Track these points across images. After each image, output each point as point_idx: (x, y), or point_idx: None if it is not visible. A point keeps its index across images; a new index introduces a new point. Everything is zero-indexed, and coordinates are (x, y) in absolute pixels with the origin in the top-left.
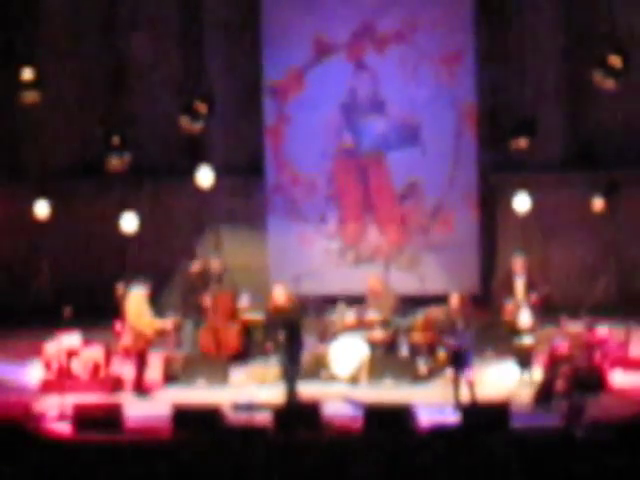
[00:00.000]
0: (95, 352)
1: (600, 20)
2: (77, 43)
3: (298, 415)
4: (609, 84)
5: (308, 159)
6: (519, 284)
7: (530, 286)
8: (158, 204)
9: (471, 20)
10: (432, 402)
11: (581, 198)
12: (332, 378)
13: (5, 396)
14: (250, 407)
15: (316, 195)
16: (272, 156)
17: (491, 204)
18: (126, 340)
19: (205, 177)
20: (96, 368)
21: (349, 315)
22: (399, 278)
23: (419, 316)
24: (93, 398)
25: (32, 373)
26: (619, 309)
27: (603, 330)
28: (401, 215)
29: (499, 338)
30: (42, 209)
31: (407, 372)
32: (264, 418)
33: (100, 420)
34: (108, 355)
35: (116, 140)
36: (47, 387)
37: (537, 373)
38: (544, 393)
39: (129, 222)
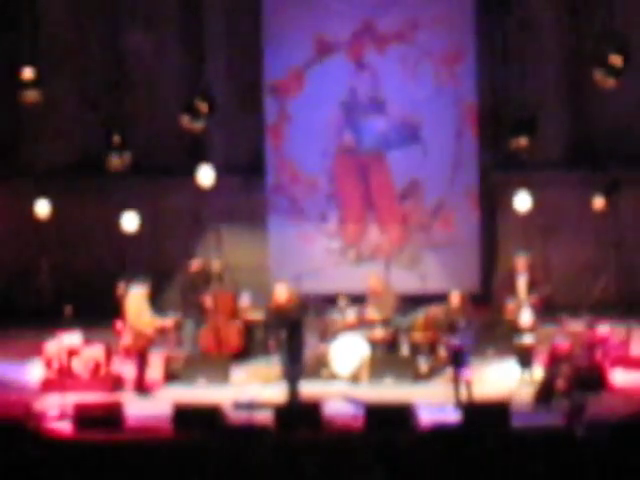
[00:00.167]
0: (96, 351)
1: (601, 19)
2: (78, 42)
3: (299, 414)
4: (610, 83)
5: (309, 158)
6: (521, 283)
7: (532, 285)
8: (159, 203)
9: (472, 19)
10: (433, 401)
11: (582, 197)
12: (333, 377)
13: (6, 395)
14: (251, 406)
15: (317, 194)
16: (273, 155)
17: (492, 203)
18: (126, 339)
19: (206, 176)
20: (97, 367)
21: (350, 314)
22: (400, 277)
23: (420, 315)
24: (94, 397)
25: (33, 372)
26: (620, 308)
27: (604, 329)
28: (402, 214)
29: (500, 337)
30: (43, 208)
31: (408, 371)
32: (265, 417)
33: (101, 419)
34: (109, 354)
35: (117, 139)
36: (48, 386)
37: (538, 372)
38: (545, 392)
39: (130, 221)
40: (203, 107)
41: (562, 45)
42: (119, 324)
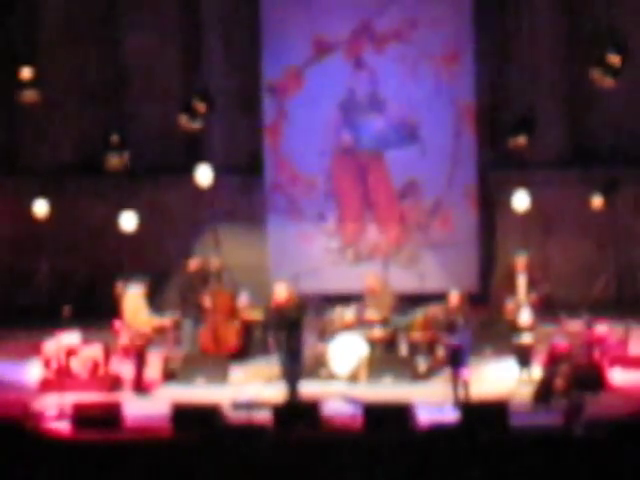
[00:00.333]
0: (94, 351)
1: (599, 18)
2: (76, 42)
3: (298, 414)
4: (608, 82)
5: (307, 158)
6: (521, 283)
7: (531, 284)
8: (157, 203)
9: (470, 19)
10: (431, 400)
11: (580, 196)
12: (331, 377)
13: (4, 395)
14: (250, 406)
15: (315, 193)
16: (271, 155)
17: (490, 202)
18: (125, 339)
19: (204, 176)
20: (95, 367)
21: (348, 313)
22: (398, 276)
23: (418, 315)
24: (92, 397)
25: (31, 372)
26: (618, 307)
27: (602, 328)
28: (400, 213)
29: (498, 336)
30: (41, 208)
31: (406, 370)
32: (264, 417)
33: (99, 419)
34: (107, 354)
35: (115, 139)
36: (46, 386)
37: (536, 371)
38: (543, 391)
39: (128, 221)
40: (201, 107)
41: (560, 44)
42: (117, 324)
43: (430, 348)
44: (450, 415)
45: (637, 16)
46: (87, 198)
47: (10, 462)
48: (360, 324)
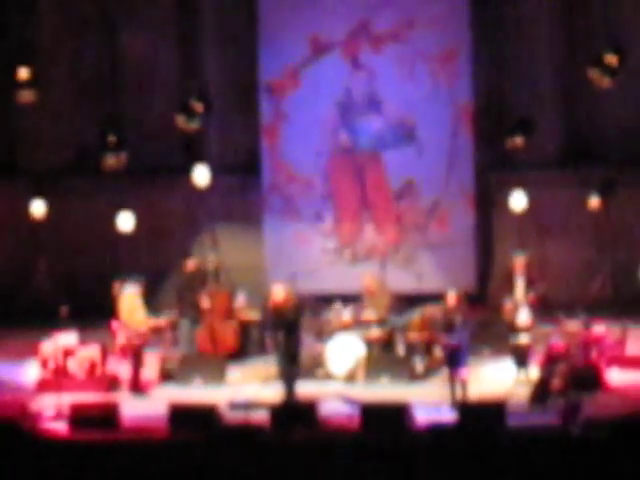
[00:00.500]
0: (91, 351)
1: (596, 19)
2: (73, 42)
3: (295, 414)
4: (605, 82)
5: (304, 158)
6: (519, 283)
7: (529, 284)
8: (154, 203)
9: (467, 19)
10: (429, 401)
11: (577, 196)
12: (328, 377)
13: (1, 395)
14: (247, 406)
15: (312, 194)
16: (268, 155)
17: (487, 202)
18: (122, 339)
19: (201, 176)
20: (92, 367)
21: (345, 314)
22: (395, 277)
23: (415, 315)
24: (89, 397)
25: (28, 372)
26: (615, 307)
27: (599, 328)
28: (397, 214)
29: (496, 337)
30: (38, 208)
31: (404, 371)
32: (261, 417)
33: (96, 419)
34: (104, 354)
35: (112, 139)
36: (43, 386)
37: (534, 372)
38: (541, 391)
39: (125, 221)
40: (199, 107)
41: (557, 45)
42: (115, 324)
43: (427, 348)
44: (447, 415)
45: (634, 16)
46: (84, 198)
47: (7, 462)
48: (357, 324)
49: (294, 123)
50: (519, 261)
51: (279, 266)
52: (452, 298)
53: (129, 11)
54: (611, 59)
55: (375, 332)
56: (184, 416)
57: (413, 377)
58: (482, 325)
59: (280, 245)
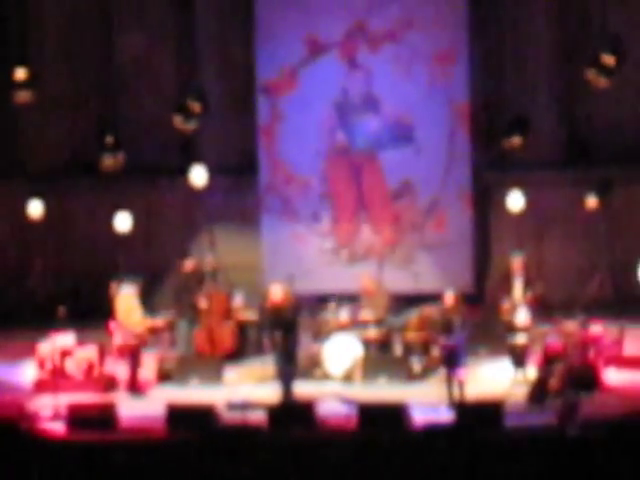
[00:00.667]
0: (89, 352)
1: (593, 18)
2: (71, 42)
3: (292, 414)
4: (602, 82)
5: (301, 158)
6: (517, 284)
7: (527, 284)
8: (152, 203)
9: (464, 19)
10: (426, 401)
11: (574, 196)
12: (326, 377)
13: None
14: (244, 406)
15: (310, 194)
16: (265, 155)
17: (485, 202)
18: (119, 339)
19: (198, 176)
20: (90, 368)
21: (343, 314)
22: (393, 277)
23: (413, 315)
24: (87, 398)
25: (26, 373)
26: (613, 307)
27: (597, 328)
28: (395, 214)
29: (493, 337)
30: (36, 208)
31: (401, 371)
32: (258, 417)
33: (94, 420)
34: (102, 355)
35: (110, 139)
36: (41, 387)
37: (531, 372)
38: (538, 391)
39: (123, 221)
40: (196, 107)
41: (554, 45)
42: (112, 325)
43: (425, 348)
44: (445, 415)
45: (631, 16)
46: (82, 199)
47: (5, 463)
48: (355, 324)
49: (291, 123)
50: (517, 261)
51: (276, 266)
52: (450, 298)
53: (126, 12)
54: (608, 59)
55: (373, 332)
56: (182, 416)
57: (410, 377)
58: (480, 325)
59: (277, 245)
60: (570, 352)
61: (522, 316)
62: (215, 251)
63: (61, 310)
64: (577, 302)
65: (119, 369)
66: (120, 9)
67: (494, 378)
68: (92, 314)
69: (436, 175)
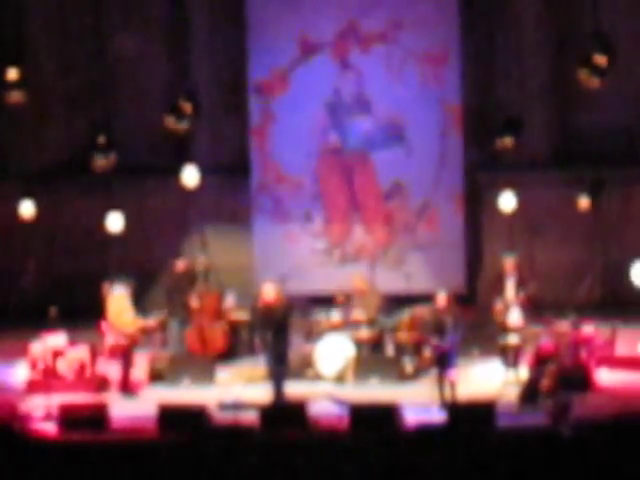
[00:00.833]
0: (81, 352)
1: (585, 19)
2: (62, 43)
3: (284, 415)
4: (594, 83)
5: (293, 158)
6: (509, 284)
7: (520, 284)
8: (144, 204)
9: (456, 19)
10: (418, 401)
11: (566, 197)
12: (318, 377)
13: None
14: (236, 407)
15: (301, 194)
16: (257, 155)
17: (477, 203)
18: (111, 340)
19: (190, 176)
20: (82, 368)
21: (335, 314)
22: (385, 277)
23: (405, 315)
24: (79, 398)
25: (18, 373)
26: (605, 308)
27: (589, 329)
28: (386, 214)
29: (485, 337)
30: (28, 209)
31: (393, 371)
32: (250, 418)
33: (86, 420)
34: (94, 355)
35: (102, 140)
36: (33, 387)
37: (523, 372)
38: (530, 392)
39: (115, 222)
40: (188, 108)
41: (547, 45)
42: (104, 325)
43: (416, 349)
44: (437, 416)
45: (623, 16)
46: (74, 199)
47: None
48: (347, 325)
49: (283, 123)
50: (509, 262)
51: (268, 267)
52: (441, 299)
53: (119, 12)
54: (600, 59)
55: (364, 333)
56: (173, 417)
57: (402, 377)
58: (472, 326)
59: (269, 245)
60: (562, 352)
61: (515, 316)
62: (207, 251)
63: (53, 310)
64: (569, 302)
65: (111, 369)
66: (112, 9)
67: (486, 378)
68: (84, 314)
69: (428, 175)
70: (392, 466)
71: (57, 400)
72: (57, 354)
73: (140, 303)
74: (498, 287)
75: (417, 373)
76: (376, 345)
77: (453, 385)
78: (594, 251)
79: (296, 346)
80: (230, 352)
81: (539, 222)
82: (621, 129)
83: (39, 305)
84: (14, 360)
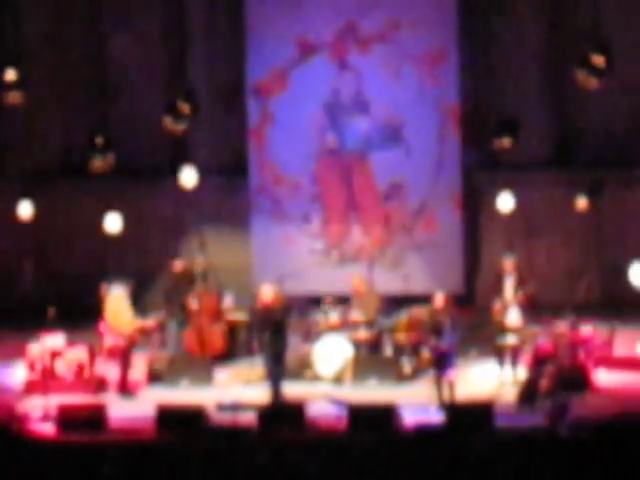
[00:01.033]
0: (79, 353)
1: (583, 19)
2: (60, 44)
3: (282, 415)
4: (592, 83)
5: (292, 159)
6: (508, 284)
7: (519, 283)
8: (142, 204)
9: (454, 20)
10: (416, 402)
11: (564, 197)
12: (316, 378)
13: None
14: (234, 407)
15: (300, 195)
16: (256, 156)
17: (474, 204)
18: (109, 341)
19: (189, 177)
20: (80, 369)
21: (333, 315)
22: (383, 278)
23: (403, 316)
24: (77, 399)
25: (16, 374)
26: (603, 308)
27: (587, 329)
28: (385, 215)
29: (484, 338)
30: (26, 210)
31: (391, 372)
32: (248, 418)
33: (84, 421)
34: (92, 356)
35: (100, 141)
36: (31, 388)
37: (521, 372)
38: (528, 392)
39: (113, 222)
40: (186, 108)
41: (545, 45)
42: (102, 326)
43: (415, 349)
44: (435, 416)
45: (621, 16)
46: (72, 200)
47: None
48: (345, 325)
49: (281, 124)
50: (508, 262)
51: (267, 267)
52: (439, 299)
53: (116, 13)
54: (598, 60)
55: (363, 333)
56: (172, 417)
57: (401, 378)
58: (470, 326)
59: (268, 246)
60: (560, 353)
61: (513, 317)
62: (205, 252)
63: (51, 311)
64: (567, 303)
65: (109, 370)
66: (110, 10)
67: (484, 379)
68: (82, 315)
69: (426, 176)
70: (390, 467)
71: (55, 401)
72: (55, 355)
73: (138, 304)
74: (497, 287)
75: (415, 374)
76: (374, 346)
77: (452, 385)
78: (592, 252)
79: (294, 347)
80: (228, 353)
81: (537, 223)
82: (619, 130)
83: (37, 306)
84: (12, 361)
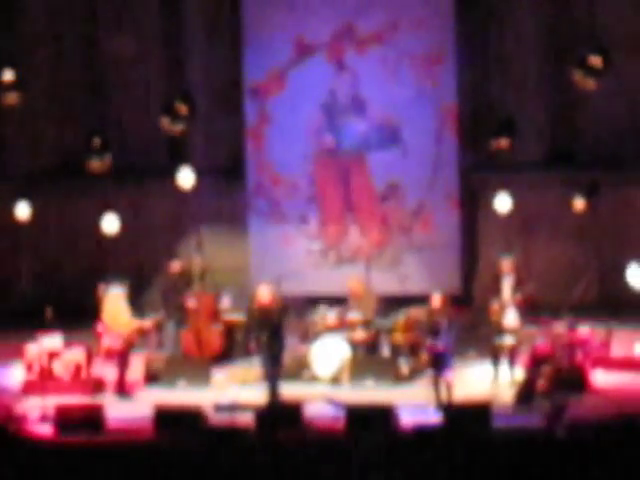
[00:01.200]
0: (77, 353)
1: (581, 20)
2: (57, 44)
3: (280, 416)
4: (590, 84)
5: (289, 160)
6: (506, 285)
7: (518, 284)
8: (139, 205)
9: (452, 21)
10: (414, 402)
11: (562, 198)
12: (314, 379)
13: None
14: (232, 408)
15: (297, 196)
16: (253, 157)
17: (472, 204)
18: (107, 341)
19: (186, 178)
20: (78, 369)
21: (330, 316)
22: (380, 279)
23: (400, 316)
24: (75, 399)
25: (14, 375)
26: (600, 309)
27: (584, 330)
28: (382, 216)
29: (481, 339)
30: (23, 210)
31: (389, 372)
32: (246, 419)
33: (82, 421)
34: (89, 356)
35: (97, 141)
36: (29, 389)
37: (519, 373)
38: (526, 393)
39: (110, 223)
40: (183, 109)
41: (542, 46)
42: (100, 326)
43: (412, 350)
44: (433, 417)
45: (619, 17)
46: (69, 201)
47: None
48: (342, 326)
49: (279, 125)
50: (506, 262)
51: (264, 268)
52: (437, 300)
53: (113, 14)
54: (595, 60)
55: (360, 334)
56: (169, 418)
57: (398, 379)
58: (468, 327)
59: (265, 247)
60: (558, 353)
61: (511, 317)
62: (203, 252)
63: (48, 312)
64: (565, 304)
65: (107, 371)
66: (107, 11)
67: (482, 380)
68: (79, 316)
69: (423, 177)
70: (388, 467)
71: (53, 401)
72: (53, 355)
73: (136, 304)
74: (494, 288)
75: (413, 374)
76: (372, 346)
77: (449, 386)
78: (590, 252)
79: (292, 347)
80: (226, 353)
81: (535, 223)
82: (617, 131)
83: (35, 306)
84: (10, 361)
